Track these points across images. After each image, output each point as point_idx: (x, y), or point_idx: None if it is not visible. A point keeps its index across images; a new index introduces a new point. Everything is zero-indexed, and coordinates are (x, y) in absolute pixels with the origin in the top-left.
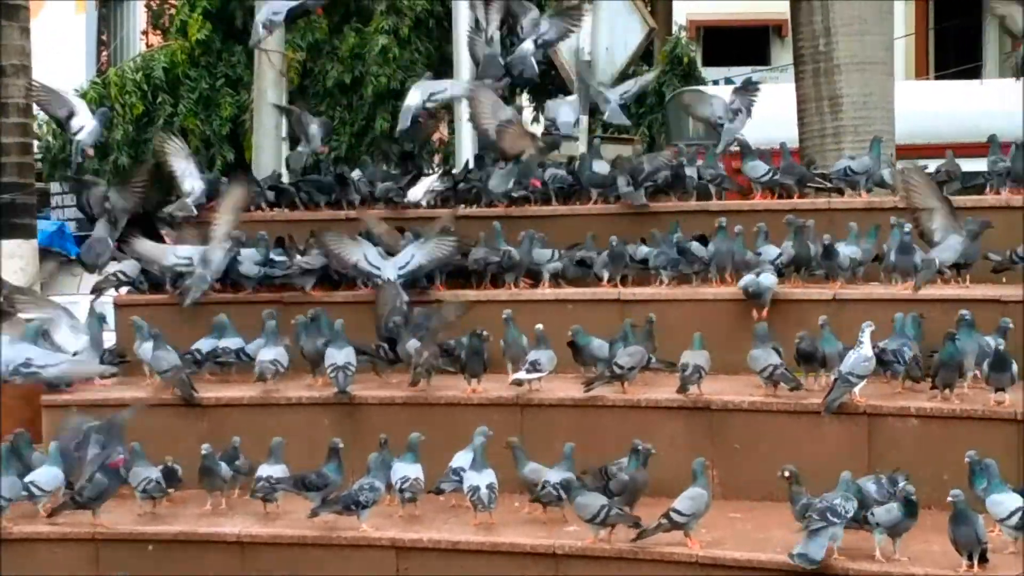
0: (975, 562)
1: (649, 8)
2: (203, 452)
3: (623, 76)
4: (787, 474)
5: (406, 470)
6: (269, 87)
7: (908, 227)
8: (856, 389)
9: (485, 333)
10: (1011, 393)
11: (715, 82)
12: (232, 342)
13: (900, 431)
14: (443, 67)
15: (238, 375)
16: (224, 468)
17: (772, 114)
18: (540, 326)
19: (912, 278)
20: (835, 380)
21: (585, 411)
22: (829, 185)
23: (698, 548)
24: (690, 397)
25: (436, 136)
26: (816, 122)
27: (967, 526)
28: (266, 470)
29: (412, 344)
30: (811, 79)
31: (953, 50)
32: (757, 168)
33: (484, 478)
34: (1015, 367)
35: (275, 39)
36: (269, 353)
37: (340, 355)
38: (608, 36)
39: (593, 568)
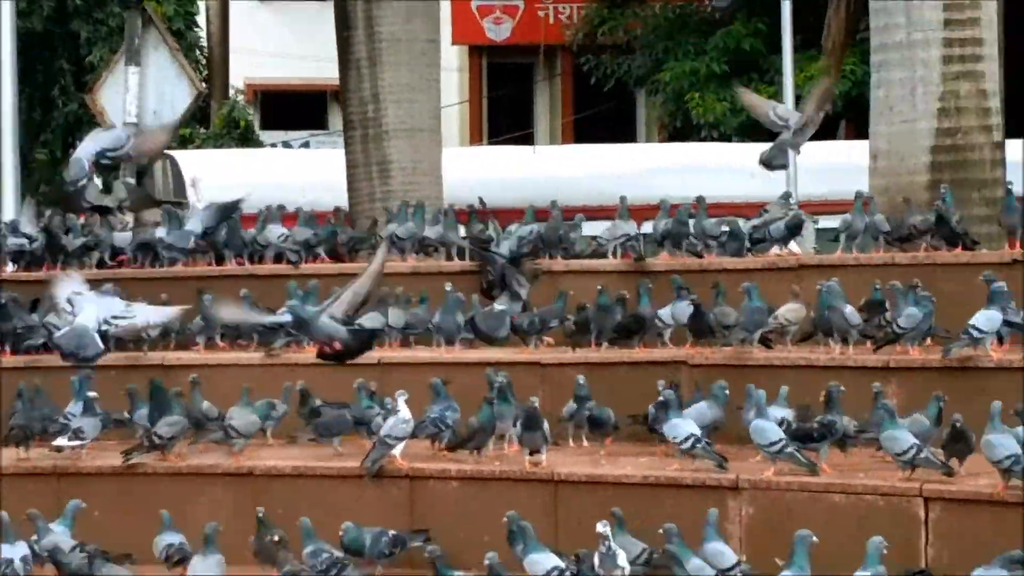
0: None
1: (205, 71)
2: None
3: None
4: (276, 538)
5: None
6: None
7: (449, 287)
8: (396, 451)
9: None
10: (546, 453)
11: (272, 145)
12: None
13: (441, 493)
14: None
15: None
16: None
17: (329, 179)
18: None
19: (455, 343)
20: (374, 443)
21: (128, 479)
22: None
23: None
24: (232, 464)
25: None
26: (366, 187)
27: None
28: None
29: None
30: (360, 145)
31: (506, 117)
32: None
33: (18, 551)
34: (547, 426)
35: None
36: None
37: None
38: (156, 99)
39: None
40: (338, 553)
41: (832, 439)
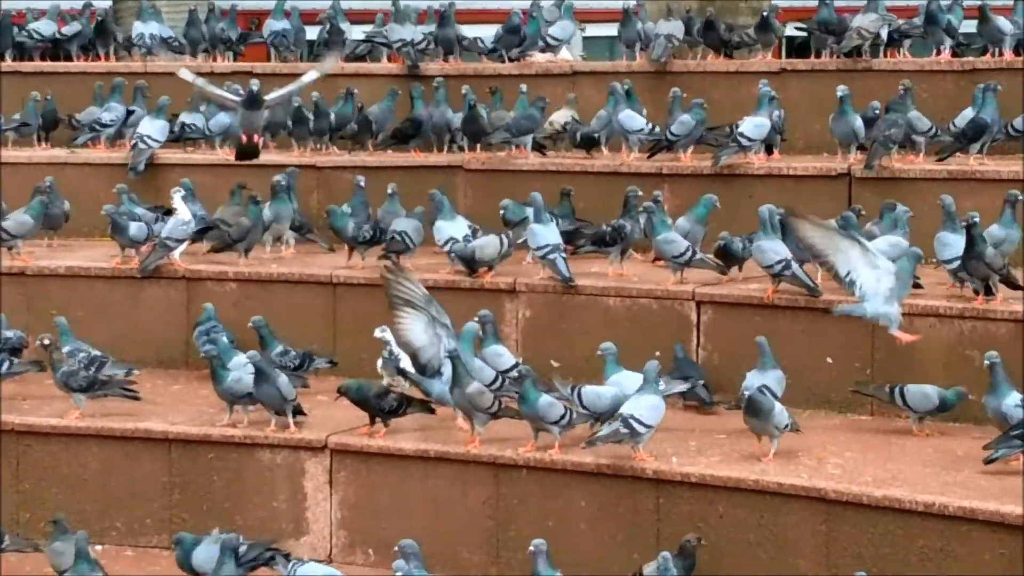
0: (291, 419)
1: None
2: None
3: None
4: (46, 342)
5: None
6: None
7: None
8: (176, 254)
9: None
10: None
11: None
12: None
13: (219, 294)
14: None
15: None
16: None
17: None
18: None
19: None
20: (154, 244)
21: None
22: None
23: None
24: (4, 264)
25: None
26: None
27: (269, 384)
28: None
29: None
30: None
31: None
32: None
33: None
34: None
35: None
36: None
37: None
38: None
39: None
40: (96, 352)
41: (624, 243)
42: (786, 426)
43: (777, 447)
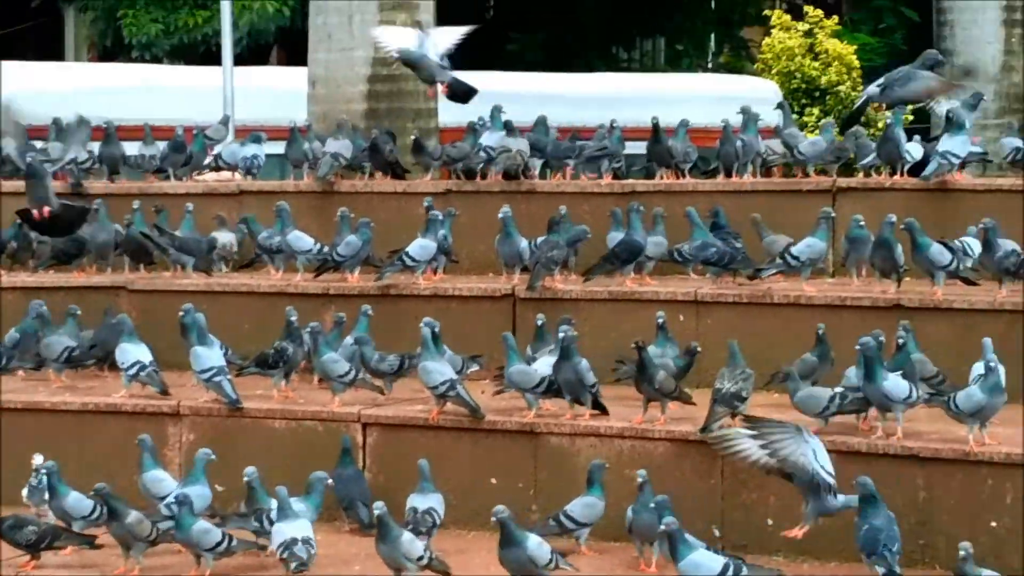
0: None
1: None
2: None
3: None
4: None
5: None
6: None
7: None
8: None
9: None
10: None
11: None
12: None
13: None
14: None
15: None
16: None
17: None
18: None
19: None
20: None
21: None
22: None
23: None
24: None
25: None
26: None
27: None
28: None
29: None
30: None
31: None
32: None
33: None
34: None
35: None
36: None
37: None
38: None
39: None
40: None
41: (287, 366)
42: (420, 559)
43: None
